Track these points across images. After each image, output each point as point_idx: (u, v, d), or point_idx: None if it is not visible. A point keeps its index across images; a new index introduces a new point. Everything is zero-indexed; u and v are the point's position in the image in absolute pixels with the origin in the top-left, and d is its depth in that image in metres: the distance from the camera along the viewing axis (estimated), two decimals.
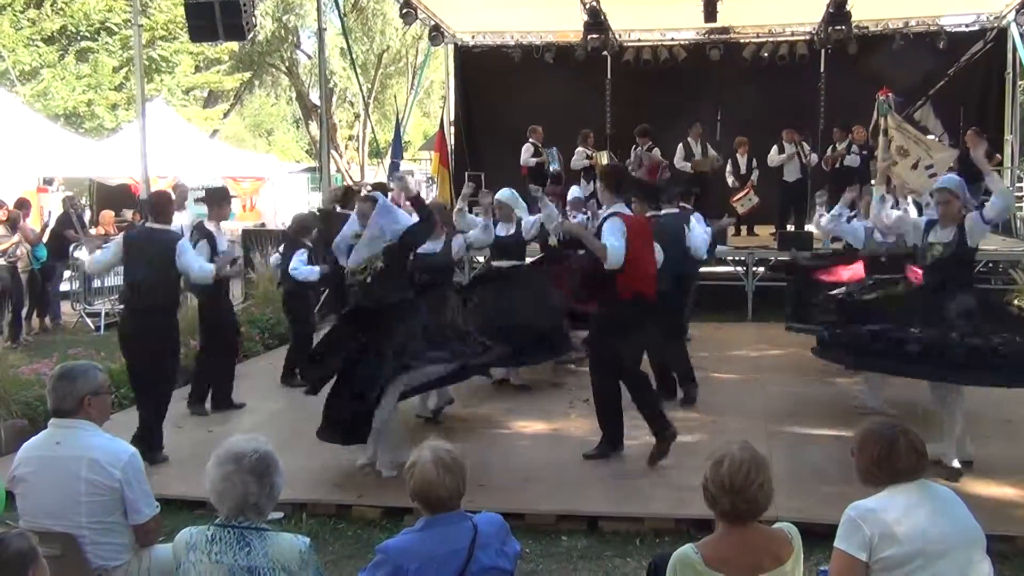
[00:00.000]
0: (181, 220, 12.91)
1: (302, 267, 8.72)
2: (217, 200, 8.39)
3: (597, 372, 6.53)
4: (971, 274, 6.64)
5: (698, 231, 8.47)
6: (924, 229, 6.38)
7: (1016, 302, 10.47)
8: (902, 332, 6.04)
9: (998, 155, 15.27)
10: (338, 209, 9.86)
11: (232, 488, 3.07)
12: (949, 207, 6.19)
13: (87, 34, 26.57)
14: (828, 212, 8.36)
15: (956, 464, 6.01)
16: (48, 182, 19.13)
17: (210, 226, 7.91)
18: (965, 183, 6.41)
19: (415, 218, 6.74)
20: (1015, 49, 16.04)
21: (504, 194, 8.79)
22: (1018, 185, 17.46)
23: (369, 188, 13.86)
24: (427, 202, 7.62)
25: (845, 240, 8.47)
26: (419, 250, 7.25)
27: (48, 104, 24.64)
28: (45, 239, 13.11)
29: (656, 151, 14.48)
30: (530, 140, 14.66)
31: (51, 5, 25.80)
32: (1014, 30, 15.74)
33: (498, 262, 8.90)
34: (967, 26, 16.63)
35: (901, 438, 3.21)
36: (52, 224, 13.69)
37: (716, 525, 3.12)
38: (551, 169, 14.32)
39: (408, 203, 7.11)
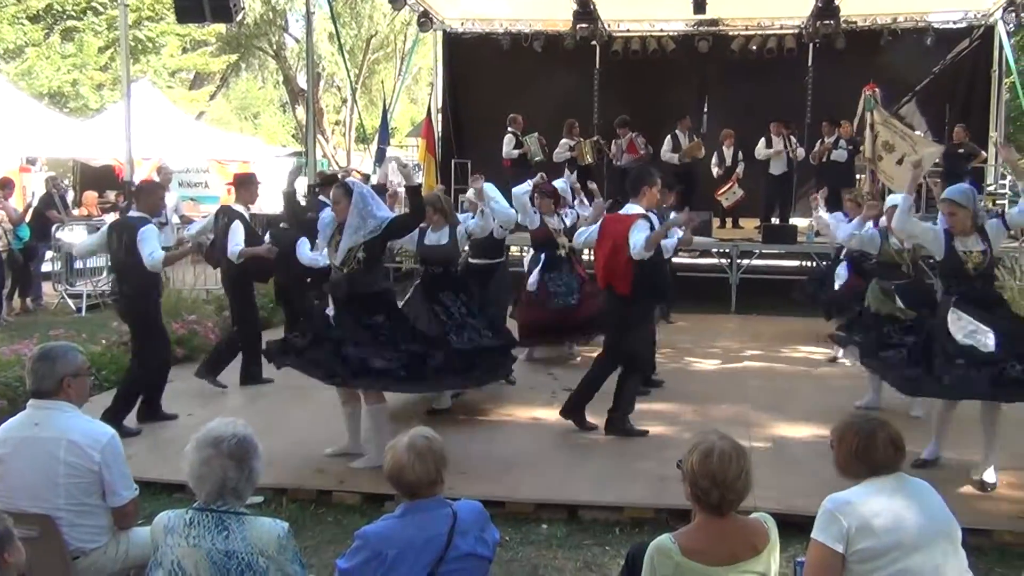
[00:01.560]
0: (165, 202, 12.91)
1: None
2: (243, 184, 8.48)
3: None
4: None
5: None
6: (945, 240, 5.90)
7: None
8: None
9: (983, 152, 15.35)
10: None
11: (211, 472, 3.06)
12: (955, 219, 5.84)
13: (73, 13, 26.33)
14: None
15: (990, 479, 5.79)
16: (31, 162, 19.01)
17: (239, 208, 8.03)
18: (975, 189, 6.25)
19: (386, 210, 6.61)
20: (1001, 47, 16.12)
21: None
22: (1001, 182, 17.57)
23: (358, 173, 13.81)
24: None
25: (863, 248, 8.05)
26: (426, 241, 7.27)
27: (32, 83, 24.44)
28: (28, 219, 13.03)
29: (640, 140, 14.49)
30: (510, 130, 14.57)
31: None
32: (1001, 28, 15.81)
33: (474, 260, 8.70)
34: (955, 23, 16.69)
35: (879, 431, 3.24)
36: (35, 204, 13.59)
37: (694, 515, 3.13)
38: (534, 159, 14.27)
39: (403, 190, 7.11)
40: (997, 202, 15.84)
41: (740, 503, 3.08)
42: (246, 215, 7.98)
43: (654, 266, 6.63)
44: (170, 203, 12.87)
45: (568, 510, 5.50)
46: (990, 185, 16.52)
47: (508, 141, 14.52)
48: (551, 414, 7.36)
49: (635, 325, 6.86)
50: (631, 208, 6.58)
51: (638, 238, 6.29)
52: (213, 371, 8.23)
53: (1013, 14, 15.14)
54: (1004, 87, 16.81)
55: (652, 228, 6.42)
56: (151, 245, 6.64)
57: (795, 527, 4.24)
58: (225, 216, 7.94)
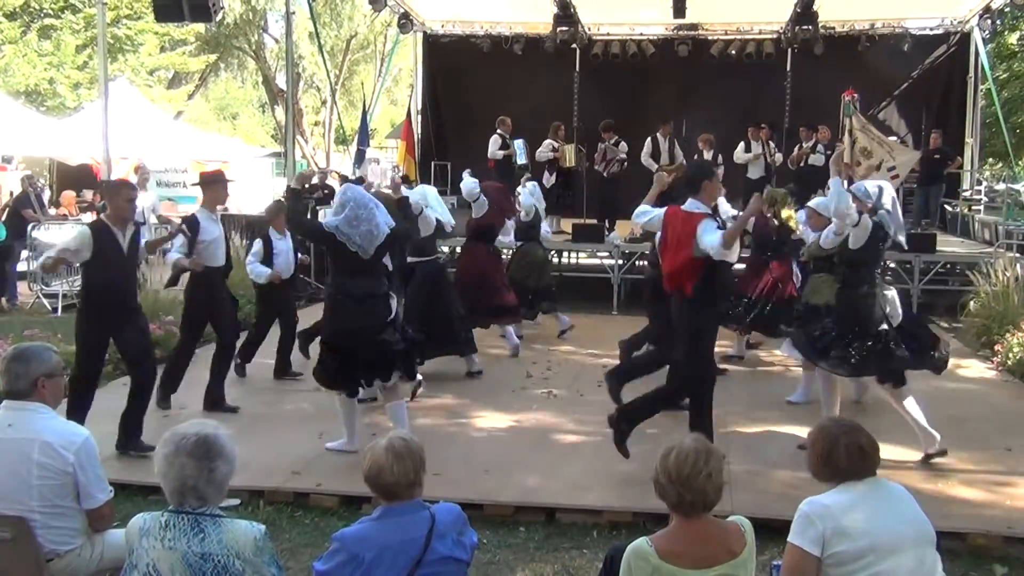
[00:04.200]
0: (142, 202, 12.84)
1: (256, 266, 8.49)
2: (208, 183, 7.77)
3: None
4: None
5: None
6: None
7: (972, 304, 10.65)
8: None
9: (959, 157, 15.50)
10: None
11: (170, 470, 3.03)
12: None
13: (50, 11, 26.16)
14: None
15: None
16: (7, 160, 18.88)
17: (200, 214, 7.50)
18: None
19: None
20: (977, 54, 16.28)
21: (414, 195, 8.55)
22: (977, 188, 17.75)
23: (336, 175, 13.78)
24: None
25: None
26: None
27: (9, 81, 24.25)
28: (3, 218, 12.92)
29: (623, 145, 14.51)
30: (498, 132, 14.59)
31: None
32: (976, 35, 15.98)
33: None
34: (931, 30, 16.84)
35: (843, 438, 3.25)
36: (10, 203, 13.49)
37: (671, 518, 3.14)
38: (518, 162, 14.29)
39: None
40: (972, 208, 16.02)
41: (707, 505, 3.07)
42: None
43: (723, 267, 6.33)
44: (148, 203, 12.82)
45: (546, 513, 5.50)
46: (966, 190, 16.69)
47: (494, 142, 14.52)
48: (530, 417, 7.37)
49: (701, 335, 6.27)
50: (693, 205, 6.10)
51: (712, 238, 5.88)
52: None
53: (989, 21, 15.31)
54: (980, 93, 16.97)
55: (720, 226, 6.02)
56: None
57: (772, 531, 4.26)
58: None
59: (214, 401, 7.47)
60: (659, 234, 6.51)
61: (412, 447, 3.25)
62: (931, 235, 12.76)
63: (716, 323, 6.63)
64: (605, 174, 14.26)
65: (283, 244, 8.62)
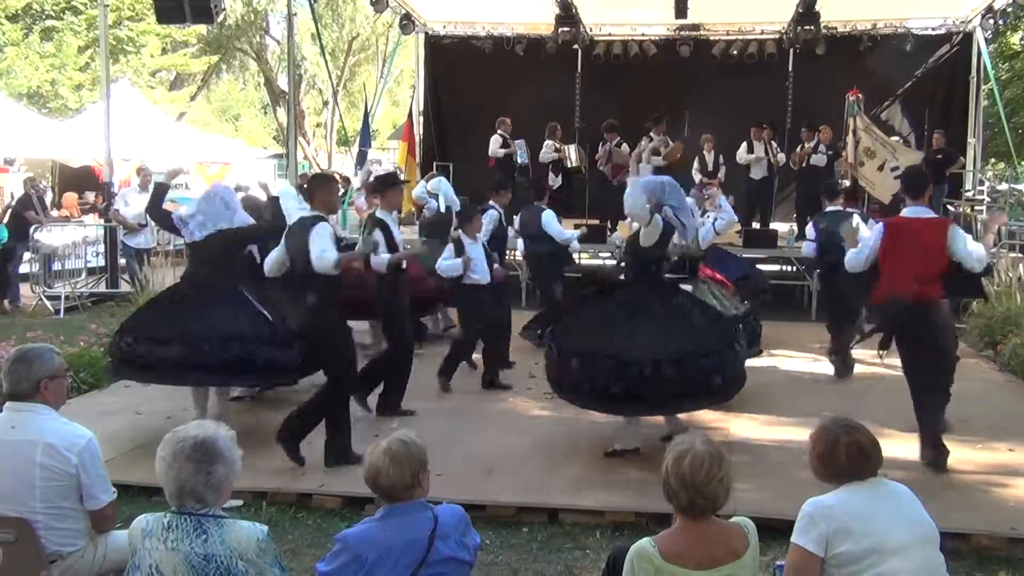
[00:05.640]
0: (144, 204, 12.82)
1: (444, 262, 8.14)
2: (386, 186, 7.57)
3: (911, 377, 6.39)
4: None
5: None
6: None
7: (975, 304, 10.63)
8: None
9: (962, 158, 15.47)
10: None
11: (168, 472, 3.03)
12: None
13: (52, 13, 26.20)
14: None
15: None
16: (9, 162, 18.88)
17: (382, 214, 7.31)
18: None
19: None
20: (979, 54, 16.26)
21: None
22: (980, 189, 17.74)
23: (338, 175, 13.77)
24: None
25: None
26: None
27: (11, 83, 24.29)
28: (5, 220, 12.93)
29: (624, 147, 14.49)
30: (499, 131, 14.60)
31: None
32: (979, 35, 15.96)
33: None
34: (933, 30, 16.83)
35: (843, 437, 3.25)
36: (12, 205, 13.50)
37: (674, 519, 3.13)
38: (518, 161, 14.30)
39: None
40: (975, 208, 16.00)
41: (715, 508, 3.07)
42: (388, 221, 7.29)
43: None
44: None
45: (549, 514, 5.50)
46: (968, 191, 16.66)
47: (495, 141, 14.52)
48: (532, 417, 7.37)
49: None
50: (919, 211, 6.13)
51: (975, 248, 5.94)
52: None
53: (991, 21, 15.29)
54: (982, 94, 16.96)
55: None
56: (322, 244, 5.92)
57: (775, 531, 4.26)
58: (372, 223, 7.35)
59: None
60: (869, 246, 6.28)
61: (411, 449, 3.24)
62: None
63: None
64: (615, 182, 14.20)
65: (475, 250, 8.28)
